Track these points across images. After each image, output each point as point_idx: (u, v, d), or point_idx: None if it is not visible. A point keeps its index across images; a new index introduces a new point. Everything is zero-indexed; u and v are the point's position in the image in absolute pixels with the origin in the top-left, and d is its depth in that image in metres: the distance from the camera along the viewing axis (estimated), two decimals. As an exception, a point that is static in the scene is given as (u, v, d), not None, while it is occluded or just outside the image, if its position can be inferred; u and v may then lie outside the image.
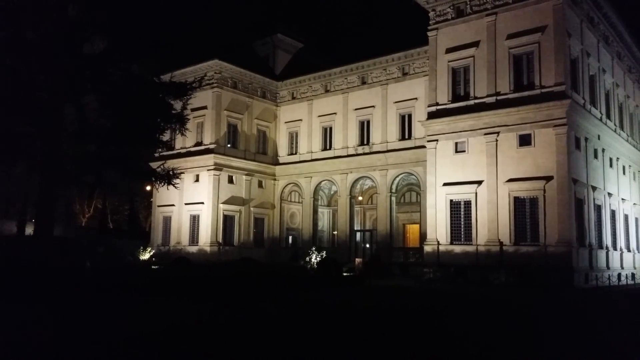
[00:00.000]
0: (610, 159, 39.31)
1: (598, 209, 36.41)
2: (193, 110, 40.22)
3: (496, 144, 34.59)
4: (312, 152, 51.82)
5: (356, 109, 48.81)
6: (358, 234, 51.45)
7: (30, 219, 47.91)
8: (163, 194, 50.13)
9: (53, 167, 14.46)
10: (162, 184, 19.21)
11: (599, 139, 37.16)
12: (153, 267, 34.79)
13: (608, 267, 36.23)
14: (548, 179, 32.45)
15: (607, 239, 37.14)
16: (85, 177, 16.70)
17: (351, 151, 48.79)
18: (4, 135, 14.12)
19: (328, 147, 50.88)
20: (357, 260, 42.66)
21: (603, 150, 37.87)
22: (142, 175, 19.24)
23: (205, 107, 49.48)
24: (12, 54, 13.14)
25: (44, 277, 14.76)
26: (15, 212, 55.16)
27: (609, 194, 38.20)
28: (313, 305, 19.63)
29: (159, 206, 53.12)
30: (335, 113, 50.35)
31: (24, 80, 13.46)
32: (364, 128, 48.48)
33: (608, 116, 39.97)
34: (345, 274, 35.37)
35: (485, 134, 35.03)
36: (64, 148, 15.40)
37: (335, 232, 51.82)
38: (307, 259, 39.36)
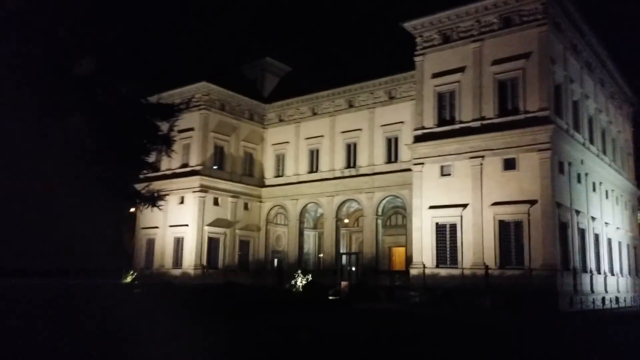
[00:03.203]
0: (594, 183, 39.79)
1: (582, 232, 36.69)
2: (180, 131, 39.76)
3: (481, 168, 34.88)
4: (298, 175, 51.82)
5: (343, 132, 49.05)
6: (344, 257, 51.21)
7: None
8: (147, 216, 49.66)
9: (35, 189, 14.25)
10: (147, 205, 18.98)
11: (582, 163, 37.66)
12: (135, 290, 34.19)
13: (592, 291, 36.35)
14: (532, 202, 32.70)
15: (591, 263, 37.36)
16: (67, 198, 16.46)
17: (338, 174, 48.87)
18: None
19: (315, 170, 50.93)
20: (343, 283, 42.38)
21: (586, 174, 38.34)
22: (126, 197, 19.01)
23: (192, 129, 49.35)
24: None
25: None
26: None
27: (593, 218, 38.57)
28: (295, 330, 19.37)
29: (142, 228, 52.52)
30: (322, 136, 50.53)
31: (8, 100, 13.33)
32: (351, 151, 48.67)
33: (591, 141, 40.58)
34: (331, 298, 35.10)
35: (471, 157, 35.33)
36: (47, 168, 15.19)
37: (321, 255, 51.54)
38: (293, 282, 39.03)
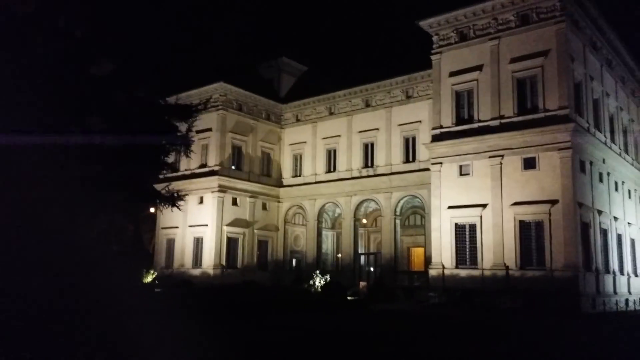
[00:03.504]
0: (616, 183, 39.13)
1: (604, 233, 36.11)
2: (198, 132, 40.12)
3: (501, 167, 34.53)
4: (316, 174, 51.83)
5: (360, 132, 48.94)
6: (362, 257, 51.12)
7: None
8: (167, 216, 50.11)
9: (56, 189, 14.45)
10: (167, 206, 19.11)
11: (603, 162, 37.06)
12: (156, 290, 34.50)
13: (615, 292, 35.75)
14: (553, 202, 32.27)
15: (614, 264, 36.75)
16: (88, 199, 16.66)
17: (355, 173, 48.77)
18: (11, 158, 14.14)
19: (332, 170, 50.89)
20: (362, 283, 42.36)
21: (608, 173, 37.73)
22: (146, 197, 19.18)
23: (210, 129, 49.67)
24: (17, 73, 13.22)
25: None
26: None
27: (615, 218, 37.92)
28: (315, 331, 19.37)
29: (162, 228, 53.00)
30: (339, 135, 50.48)
31: (29, 102, 13.53)
32: (368, 150, 48.53)
33: (613, 140, 39.93)
34: (349, 298, 35.06)
35: (490, 157, 34.99)
36: (68, 169, 15.38)
37: (340, 255, 51.51)
38: (311, 282, 39.13)
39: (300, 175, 53.40)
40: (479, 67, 36.67)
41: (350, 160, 49.39)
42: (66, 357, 10.73)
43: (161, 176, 24.06)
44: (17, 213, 10.97)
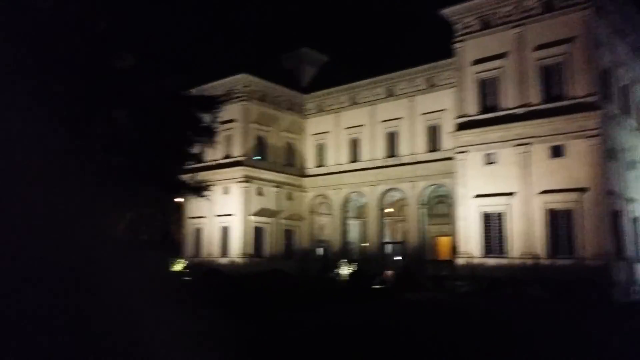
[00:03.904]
0: (647, 170, 38.15)
1: (634, 221, 35.35)
2: (222, 123, 40.51)
3: (528, 155, 34.02)
4: (340, 164, 51.83)
5: (383, 121, 48.69)
6: (388, 246, 51.04)
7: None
8: (194, 206, 50.76)
9: (87, 180, 14.79)
10: (193, 196, 19.40)
11: (634, 149, 36.19)
12: (185, 278, 35.08)
13: (647, 281, 35.02)
14: (583, 190, 31.71)
15: (646, 252, 35.95)
16: (117, 190, 17.01)
17: (379, 163, 48.60)
18: (40, 150, 14.51)
19: (356, 159, 50.81)
20: (388, 272, 42.29)
21: (639, 161, 36.82)
22: (173, 188, 19.50)
23: (233, 120, 50.01)
24: (43, 68, 13.50)
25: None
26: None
27: (646, 206, 37.03)
28: (343, 322, 19.43)
29: (190, 218, 53.75)
30: (362, 125, 50.32)
31: (56, 95, 13.83)
32: (392, 140, 48.28)
33: (643, 126, 38.91)
34: (375, 287, 35.09)
35: (516, 145, 34.51)
36: (96, 161, 15.71)
37: (365, 244, 51.52)
38: (337, 271, 39.23)
39: (324, 165, 53.46)
40: (503, 55, 36.08)
41: (373, 149, 49.21)
42: (92, 345, 11.01)
43: (187, 167, 24.39)
44: (44, 205, 11.27)
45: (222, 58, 48.51)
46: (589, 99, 32.21)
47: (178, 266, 45.79)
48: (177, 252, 52.77)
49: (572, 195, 32.07)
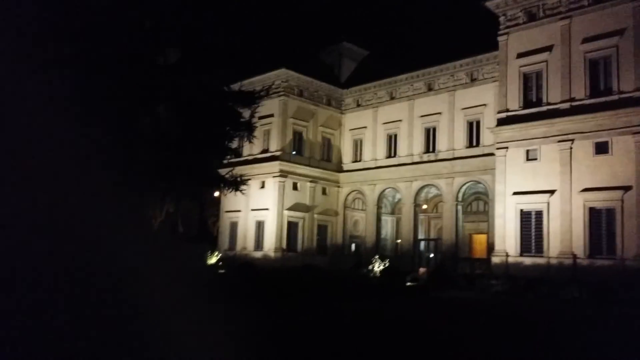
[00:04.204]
0: (697, 169, 36.70)
1: (681, 221, 34.03)
2: (260, 118, 41.02)
3: (570, 152, 33.19)
4: (376, 160, 51.60)
5: (422, 116, 48.20)
6: (422, 243, 50.65)
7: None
8: (230, 200, 51.44)
9: (131, 174, 15.19)
10: (230, 190, 19.68)
11: (683, 147, 34.80)
12: (220, 271, 35.60)
13: (694, 284, 33.76)
14: (627, 189, 30.76)
15: (693, 254, 34.63)
16: (158, 183, 17.38)
17: (416, 159, 48.18)
18: (86, 145, 14.95)
19: (392, 155, 50.49)
20: (422, 270, 42.02)
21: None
22: (211, 182, 19.85)
23: (272, 115, 50.37)
24: (92, 64, 13.89)
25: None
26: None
27: (695, 206, 35.64)
28: (374, 318, 19.43)
29: (226, 212, 54.49)
30: (400, 120, 49.93)
31: (103, 90, 14.20)
32: (430, 135, 47.76)
33: (695, 123, 37.37)
34: (408, 284, 34.89)
35: (559, 141, 33.69)
36: (139, 155, 16.08)
37: (399, 241, 51.24)
38: (370, 267, 39.13)
39: (360, 161, 53.32)
40: (548, 48, 35.20)
41: (411, 145, 48.78)
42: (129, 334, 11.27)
43: (225, 161, 24.72)
44: (83, 201, 11.60)
45: (262, 53, 48.93)
46: (637, 94, 31.14)
47: (213, 259, 46.46)
48: (213, 245, 53.62)
49: (615, 194, 31.15)
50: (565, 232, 32.76)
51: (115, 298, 11.49)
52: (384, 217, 53.33)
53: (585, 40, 33.60)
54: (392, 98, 50.92)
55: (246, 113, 18.71)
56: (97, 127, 12.91)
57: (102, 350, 9.69)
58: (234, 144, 20.08)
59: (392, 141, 50.84)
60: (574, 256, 32.09)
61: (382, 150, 51.40)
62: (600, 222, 31.90)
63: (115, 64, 14.22)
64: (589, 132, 32.57)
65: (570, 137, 33.30)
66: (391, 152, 50.73)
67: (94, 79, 13.82)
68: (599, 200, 31.95)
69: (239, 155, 47.31)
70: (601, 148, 32.17)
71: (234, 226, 53.72)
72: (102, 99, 14.03)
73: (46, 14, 12.28)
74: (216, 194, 49.94)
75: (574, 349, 14.14)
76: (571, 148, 33.22)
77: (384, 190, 51.16)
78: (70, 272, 11.01)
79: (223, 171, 20.45)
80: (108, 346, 9.96)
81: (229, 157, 21.13)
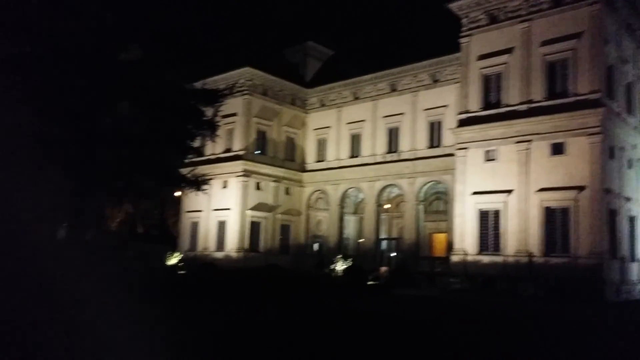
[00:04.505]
0: (646, 170, 38.24)
1: (631, 220, 35.44)
2: (223, 117, 40.72)
3: (528, 153, 34.05)
4: (339, 159, 51.79)
5: (385, 117, 48.63)
6: (384, 242, 51.11)
7: (62, 223, 48.73)
8: (191, 200, 50.75)
9: (87, 172, 14.80)
10: (192, 189, 19.41)
11: (634, 148, 36.24)
12: (179, 272, 35.08)
13: (641, 281, 35.22)
14: (581, 188, 31.76)
15: (641, 252, 36.11)
16: (117, 182, 16.98)
17: (379, 159, 48.59)
18: (40, 140, 14.50)
19: (356, 155, 50.78)
20: (383, 268, 42.38)
21: (638, 160, 36.88)
22: (172, 181, 19.50)
23: (235, 114, 49.93)
24: (50, 61, 13.49)
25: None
26: (47, 217, 56.27)
27: (644, 206, 37.15)
28: (336, 313, 19.51)
29: (187, 212, 53.72)
30: (364, 120, 50.26)
31: (60, 87, 13.79)
32: (393, 135, 48.24)
33: (644, 125, 38.93)
34: (370, 283, 35.11)
35: (517, 142, 34.52)
36: (98, 153, 15.69)
37: (361, 240, 51.57)
38: (333, 266, 39.24)
39: (324, 160, 53.42)
40: (508, 50, 36.02)
41: (374, 145, 49.17)
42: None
43: (187, 160, 24.35)
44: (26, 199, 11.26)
45: (226, 52, 48.40)
46: (592, 96, 32.17)
47: (173, 260, 45.70)
48: (173, 246, 52.78)
49: (570, 194, 32.13)
50: (522, 231, 33.59)
51: (39, 300, 11.19)
52: (346, 217, 53.59)
53: (544, 43, 34.51)
54: (356, 98, 51.21)
55: (209, 112, 18.47)
56: (54, 123, 12.53)
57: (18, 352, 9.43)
58: (196, 143, 19.80)
59: (355, 141, 51.13)
60: (530, 254, 32.93)
61: (345, 150, 51.62)
62: (555, 222, 32.83)
63: (74, 60, 13.84)
64: (546, 133, 33.47)
65: (527, 138, 34.15)
66: (354, 152, 51.02)
67: (52, 75, 13.40)
68: (554, 200, 32.89)
69: (201, 154, 46.68)
70: (557, 149, 33.11)
71: (195, 226, 53.01)
72: (60, 96, 13.61)
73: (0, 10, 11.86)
74: (177, 193, 49.20)
75: (517, 337, 14.52)
76: (529, 149, 34.08)
77: (347, 190, 51.40)
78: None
79: (185, 170, 20.13)
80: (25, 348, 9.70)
81: (190, 156, 20.81)
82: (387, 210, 51.52)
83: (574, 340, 15.45)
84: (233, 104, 47.54)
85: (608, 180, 32.30)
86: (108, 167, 15.10)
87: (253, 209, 50.07)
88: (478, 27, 37.88)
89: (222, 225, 50.43)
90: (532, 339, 15.12)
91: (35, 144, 14.36)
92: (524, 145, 34.21)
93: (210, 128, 17.95)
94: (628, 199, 34.82)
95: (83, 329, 11.13)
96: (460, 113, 38.10)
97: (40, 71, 12.38)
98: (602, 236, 31.08)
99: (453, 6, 38.75)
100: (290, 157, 54.19)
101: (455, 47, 39.82)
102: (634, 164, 36.26)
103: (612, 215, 32.79)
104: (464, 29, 38.56)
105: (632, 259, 34.84)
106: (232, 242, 48.99)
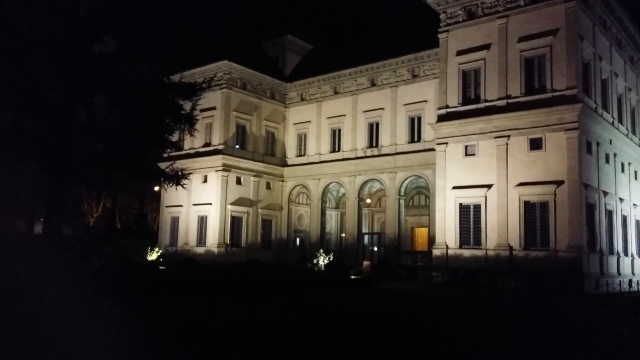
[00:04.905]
0: (622, 164, 38.91)
1: (609, 214, 36.03)
2: (202, 110, 40.23)
3: (506, 148, 34.34)
4: (320, 154, 51.69)
5: (365, 111, 48.64)
6: (366, 237, 51.24)
7: (39, 217, 47.89)
8: (171, 195, 50.18)
9: (63, 166, 14.46)
10: (171, 184, 19.13)
11: (610, 143, 36.80)
12: (160, 267, 34.71)
13: (619, 273, 35.83)
14: (559, 183, 32.15)
15: (618, 245, 36.74)
16: (94, 176, 16.67)
17: (360, 153, 48.61)
18: (14, 133, 14.14)
19: (337, 149, 50.73)
20: (365, 263, 42.55)
21: (615, 154, 37.49)
22: (150, 175, 19.21)
23: (214, 108, 49.49)
24: (23, 52, 13.13)
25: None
26: (24, 210, 55.22)
27: (620, 199, 37.80)
28: (320, 307, 19.49)
29: (167, 207, 53.18)
30: (344, 115, 50.21)
31: (35, 79, 13.44)
32: (373, 130, 48.28)
33: (620, 120, 39.59)
34: (352, 277, 35.19)
35: (496, 137, 34.79)
36: (74, 147, 15.35)
37: (343, 235, 51.65)
38: (315, 261, 39.27)
39: (304, 155, 53.28)
40: (486, 46, 36.25)
41: (354, 140, 49.17)
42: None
43: (165, 155, 23.98)
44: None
45: (204, 44, 47.88)
46: (569, 92, 32.55)
47: (153, 255, 45.24)
48: (153, 241, 52.22)
49: (548, 188, 32.50)
50: (502, 225, 33.91)
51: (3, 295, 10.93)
52: (328, 212, 53.61)
53: (521, 39, 34.79)
54: (336, 93, 51.10)
55: (187, 105, 18.19)
56: (27, 115, 12.20)
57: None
58: (175, 137, 19.46)
59: (336, 136, 51.07)
60: (511, 248, 33.28)
61: (326, 144, 51.53)
62: (534, 216, 33.20)
63: (47, 52, 13.48)
64: (524, 128, 33.79)
65: (506, 133, 34.44)
66: (335, 146, 50.96)
67: (25, 68, 13.04)
68: (533, 194, 33.25)
69: (180, 148, 46.27)
70: (535, 144, 33.45)
71: (175, 221, 52.51)
72: (34, 89, 13.26)
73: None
74: (156, 188, 48.64)
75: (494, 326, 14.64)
76: (507, 144, 34.37)
77: (328, 185, 51.36)
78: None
79: (163, 165, 19.85)
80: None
81: (169, 150, 20.51)
82: (368, 205, 51.65)
83: (552, 330, 15.62)
84: (212, 98, 47.11)
85: (586, 174, 32.74)
86: (84, 161, 14.77)
87: (234, 203, 49.76)
88: (456, 22, 38.04)
89: (202, 220, 50.04)
90: (510, 329, 15.25)
91: (8, 136, 14.00)
92: (503, 140, 34.48)
93: (188, 122, 17.67)
94: (605, 193, 35.36)
95: (44, 325, 10.89)
96: (440, 108, 38.26)
97: (10, 61, 12.01)
98: (580, 230, 31.51)
99: (431, 2, 38.87)
100: (270, 152, 53.94)
101: (434, 43, 39.97)
102: (610, 159, 36.83)
103: (590, 209, 33.27)
104: (442, 24, 38.69)
105: (611, 252, 35.43)
106: (213, 237, 48.65)
